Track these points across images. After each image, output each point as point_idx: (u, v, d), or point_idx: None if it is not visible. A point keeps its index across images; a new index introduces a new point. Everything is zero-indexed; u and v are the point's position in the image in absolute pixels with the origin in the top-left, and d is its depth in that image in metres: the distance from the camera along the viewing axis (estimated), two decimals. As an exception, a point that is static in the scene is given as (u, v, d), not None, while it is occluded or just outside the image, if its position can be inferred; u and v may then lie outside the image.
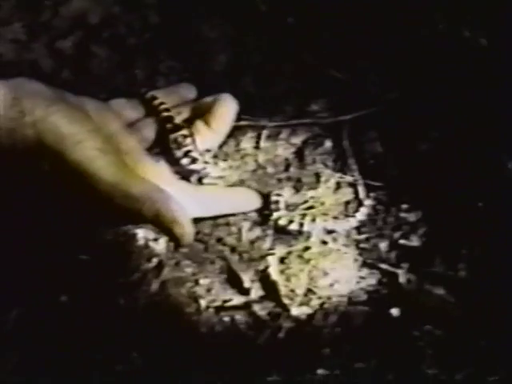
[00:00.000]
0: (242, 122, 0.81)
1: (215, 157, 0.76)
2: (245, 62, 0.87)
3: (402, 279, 0.69)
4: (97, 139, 0.64)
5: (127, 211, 0.64)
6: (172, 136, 0.71)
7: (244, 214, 0.74)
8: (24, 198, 0.68)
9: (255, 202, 0.74)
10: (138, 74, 0.86)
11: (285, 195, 0.75)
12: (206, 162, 0.71)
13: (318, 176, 0.77)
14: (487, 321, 0.66)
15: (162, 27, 0.90)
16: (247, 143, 0.80)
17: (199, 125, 0.74)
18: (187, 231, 0.64)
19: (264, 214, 0.74)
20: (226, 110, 0.74)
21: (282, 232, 0.73)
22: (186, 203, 0.66)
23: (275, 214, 0.73)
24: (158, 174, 0.69)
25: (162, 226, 0.64)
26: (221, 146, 0.78)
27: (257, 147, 0.80)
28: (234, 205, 0.74)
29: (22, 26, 0.89)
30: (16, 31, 0.88)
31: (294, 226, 0.72)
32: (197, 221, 0.70)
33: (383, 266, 0.70)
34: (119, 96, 0.76)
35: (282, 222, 0.73)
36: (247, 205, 0.74)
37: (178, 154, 0.70)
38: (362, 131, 0.81)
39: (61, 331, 0.67)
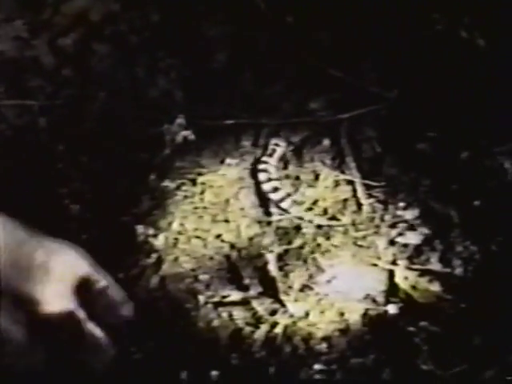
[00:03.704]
0: (242, 120, 0.81)
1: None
2: (244, 61, 0.88)
3: (398, 276, 0.70)
4: None
5: None
6: None
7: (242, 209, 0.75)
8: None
9: None
10: (139, 72, 0.87)
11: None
12: None
13: (316, 174, 0.78)
14: (483, 317, 0.66)
15: (162, 25, 0.90)
16: (246, 141, 0.81)
17: None
18: None
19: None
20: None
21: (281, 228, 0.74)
22: None
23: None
24: None
25: None
26: (222, 144, 0.79)
27: (256, 145, 0.80)
28: None
29: (23, 23, 0.89)
30: (18, 29, 0.89)
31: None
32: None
33: (380, 263, 0.71)
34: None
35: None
36: None
37: None
38: (360, 130, 0.81)
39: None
